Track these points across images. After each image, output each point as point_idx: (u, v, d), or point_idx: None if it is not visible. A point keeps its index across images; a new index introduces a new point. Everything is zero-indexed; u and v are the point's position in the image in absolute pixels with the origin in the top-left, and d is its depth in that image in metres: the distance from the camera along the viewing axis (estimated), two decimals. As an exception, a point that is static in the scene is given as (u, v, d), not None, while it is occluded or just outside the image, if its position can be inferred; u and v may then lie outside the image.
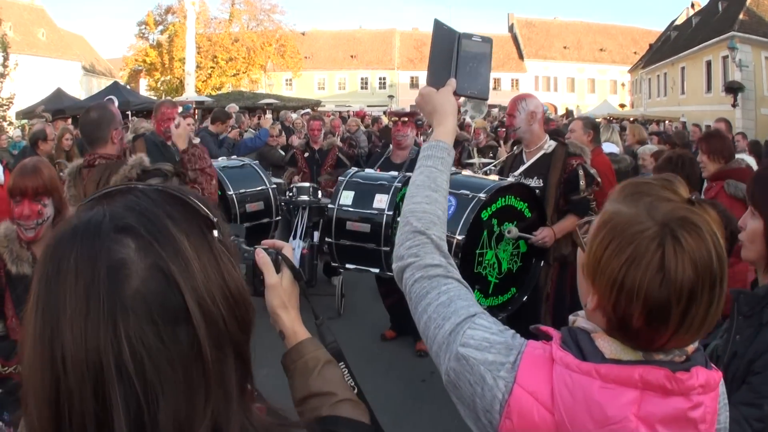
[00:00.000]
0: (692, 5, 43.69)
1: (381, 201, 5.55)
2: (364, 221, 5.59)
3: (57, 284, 0.76)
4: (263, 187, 6.50)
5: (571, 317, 1.33)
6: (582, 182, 4.54)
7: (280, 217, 6.65)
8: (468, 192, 4.24)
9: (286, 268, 1.34)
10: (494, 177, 4.55)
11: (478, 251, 4.18)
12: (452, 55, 1.63)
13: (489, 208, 4.20)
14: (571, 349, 1.21)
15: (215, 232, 0.86)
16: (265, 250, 1.33)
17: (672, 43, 41.37)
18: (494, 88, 57.65)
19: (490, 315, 1.35)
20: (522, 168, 4.74)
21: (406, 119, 6.41)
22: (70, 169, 3.69)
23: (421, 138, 9.87)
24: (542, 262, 4.58)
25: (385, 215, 5.48)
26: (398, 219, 4.73)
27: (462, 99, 1.69)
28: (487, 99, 1.70)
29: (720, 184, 4.49)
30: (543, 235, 4.42)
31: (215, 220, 0.87)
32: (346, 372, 1.33)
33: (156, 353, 0.75)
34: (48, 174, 2.90)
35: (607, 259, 1.18)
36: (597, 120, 7.60)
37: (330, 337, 1.38)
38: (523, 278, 4.53)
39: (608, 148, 6.75)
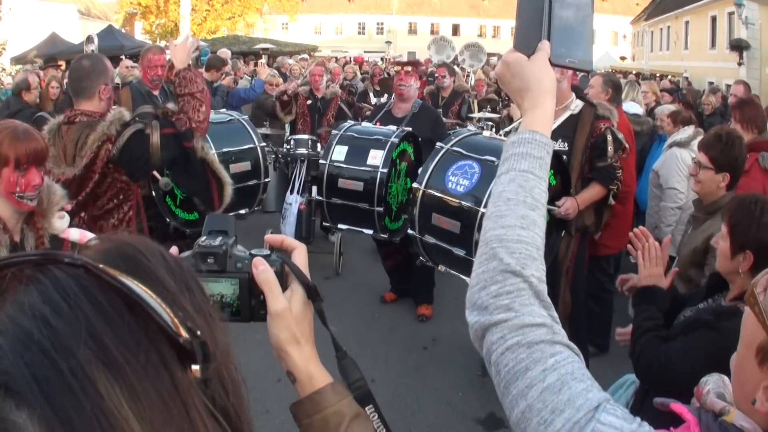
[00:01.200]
0: (699, -43, 42.77)
1: (375, 157, 5.23)
2: (357, 179, 5.28)
3: None
4: (251, 145, 5.76)
5: (714, 399, 0.99)
6: (610, 148, 4.27)
7: (269, 179, 6.07)
8: (494, 159, 3.89)
9: (296, 283, 0.98)
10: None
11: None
12: (543, 11, 1.17)
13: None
14: None
15: (195, 368, 0.48)
16: (266, 257, 0.97)
17: (677, -4, 40.60)
18: (494, 37, 56.95)
19: (615, 402, 0.93)
20: (547, 130, 4.40)
21: (410, 68, 6.08)
22: (51, 126, 3.41)
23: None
24: (563, 233, 4.32)
25: (379, 173, 5.17)
26: (409, 184, 4.42)
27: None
28: (590, 71, 1.28)
29: (754, 156, 4.26)
30: (566, 206, 4.18)
31: (197, 335, 0.47)
32: (376, 417, 1.00)
33: None
34: (42, 136, 2.60)
35: None
36: (618, 77, 7.16)
37: (355, 374, 1.03)
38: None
39: (631, 108, 6.41)
